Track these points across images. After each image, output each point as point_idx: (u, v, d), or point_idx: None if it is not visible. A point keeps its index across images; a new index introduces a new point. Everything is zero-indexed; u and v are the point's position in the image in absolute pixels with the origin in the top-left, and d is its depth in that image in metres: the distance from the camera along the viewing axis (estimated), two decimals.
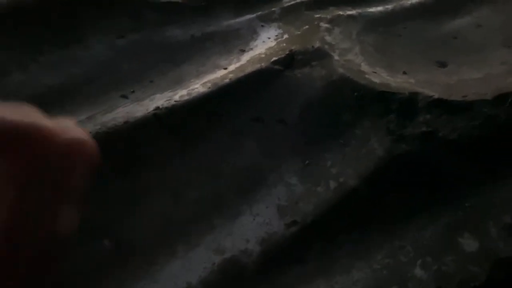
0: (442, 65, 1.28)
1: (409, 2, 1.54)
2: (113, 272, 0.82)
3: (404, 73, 1.20)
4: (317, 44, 1.22)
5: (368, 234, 0.86)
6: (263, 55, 1.22)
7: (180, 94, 1.08)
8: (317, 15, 1.40)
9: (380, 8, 1.49)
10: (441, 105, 1.02)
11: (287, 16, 1.42)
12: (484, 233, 0.82)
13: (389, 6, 1.51)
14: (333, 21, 1.36)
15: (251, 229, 0.87)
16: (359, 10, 1.46)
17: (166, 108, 1.03)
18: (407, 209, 0.89)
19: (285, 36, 1.33)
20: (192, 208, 0.91)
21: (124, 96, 1.14)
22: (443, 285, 0.77)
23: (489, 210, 0.85)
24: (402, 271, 0.80)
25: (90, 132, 0.97)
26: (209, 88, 1.09)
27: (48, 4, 1.30)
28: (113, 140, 0.97)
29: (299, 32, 1.32)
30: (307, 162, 0.98)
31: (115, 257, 0.84)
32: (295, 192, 0.93)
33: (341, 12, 1.42)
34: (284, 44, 1.26)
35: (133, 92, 1.15)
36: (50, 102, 1.11)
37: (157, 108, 1.03)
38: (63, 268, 0.77)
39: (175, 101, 1.05)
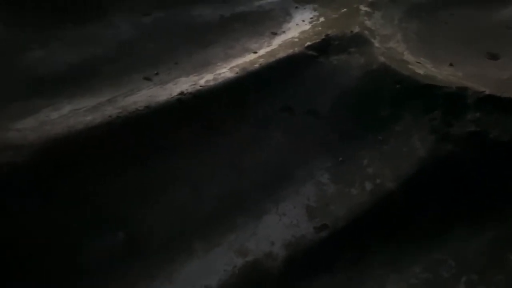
0: (493, 57, 1.16)
1: None
2: (126, 268, 0.76)
3: (451, 64, 1.09)
4: (356, 29, 1.12)
5: (405, 244, 0.77)
6: (296, 39, 1.14)
7: (206, 79, 1.01)
8: None
9: None
10: (492, 102, 0.93)
11: None
12: None
13: None
14: (374, 4, 1.26)
15: (277, 230, 0.80)
16: None
17: (191, 93, 0.97)
18: (448, 218, 0.80)
19: (321, 19, 1.24)
20: (213, 204, 0.85)
21: (147, 78, 1.07)
22: None
23: None
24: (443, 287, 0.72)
25: (110, 116, 0.91)
26: (237, 73, 1.02)
27: None
28: (133, 126, 0.91)
29: (336, 16, 1.23)
30: (340, 159, 0.90)
31: (129, 252, 0.79)
32: (326, 192, 0.85)
33: None
34: (320, 28, 1.17)
35: (156, 74, 1.09)
36: (69, 80, 1.06)
37: (181, 93, 0.97)
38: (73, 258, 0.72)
39: (200, 86, 0.99)
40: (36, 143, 0.86)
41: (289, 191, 0.86)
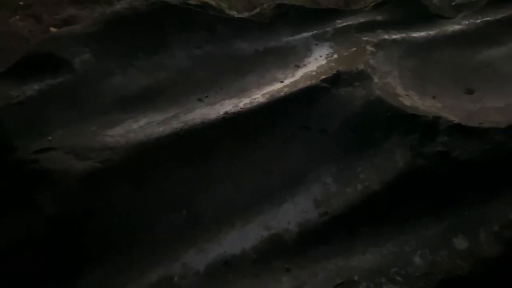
0: (470, 92, 1.47)
1: (451, 29, 1.72)
2: (188, 235, 1.11)
3: (434, 97, 1.40)
4: (361, 67, 1.44)
5: (383, 228, 1.10)
6: (314, 73, 1.47)
7: (244, 102, 1.35)
8: (365, 38, 1.62)
9: (422, 34, 1.69)
10: (459, 129, 1.23)
11: (338, 37, 1.65)
12: (475, 236, 1.04)
13: (432, 32, 1.70)
14: (378, 45, 1.57)
15: (292, 214, 1.14)
16: (403, 35, 1.66)
17: (233, 113, 1.31)
18: (418, 212, 1.12)
19: (335, 56, 1.56)
20: (248, 195, 1.19)
21: (200, 100, 1.43)
22: (434, 272, 1.00)
23: (483, 220, 1.07)
24: (404, 258, 1.04)
25: (176, 128, 1.26)
26: (267, 99, 1.36)
27: (142, 18, 1.60)
28: (191, 136, 1.26)
29: (347, 53, 1.55)
30: (341, 167, 1.23)
31: (190, 224, 1.14)
32: (329, 190, 1.18)
33: (386, 36, 1.63)
34: (333, 64, 1.50)
35: (207, 97, 1.44)
36: (144, 100, 1.42)
37: (226, 112, 1.31)
38: (147, 232, 1.07)
39: (240, 108, 1.33)
40: (125, 146, 1.22)
41: (302, 188, 1.20)
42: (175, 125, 1.27)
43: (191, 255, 1.08)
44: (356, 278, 1.01)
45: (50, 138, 1.22)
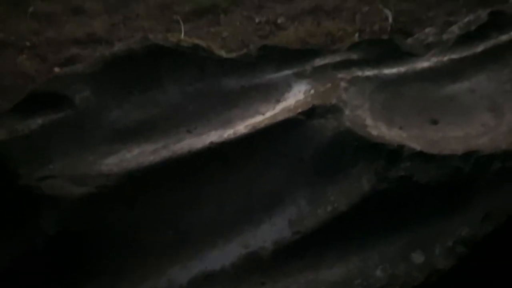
0: (434, 122, 1.61)
1: (420, 66, 1.88)
2: (174, 252, 1.23)
3: (400, 127, 1.55)
4: (334, 101, 1.59)
5: (350, 245, 1.22)
6: (292, 107, 1.62)
7: (228, 133, 1.50)
8: (340, 75, 1.78)
9: (393, 70, 1.85)
10: (420, 157, 1.37)
11: (316, 74, 1.81)
12: (430, 251, 1.16)
13: (402, 69, 1.86)
14: (352, 81, 1.73)
15: (268, 233, 1.26)
16: (376, 72, 1.82)
17: (218, 143, 1.45)
18: (381, 230, 1.24)
19: (312, 91, 1.72)
20: (230, 216, 1.32)
21: (189, 131, 1.57)
22: (392, 283, 1.12)
23: (439, 236, 1.19)
24: (367, 271, 1.15)
25: (164, 157, 1.40)
26: (249, 130, 1.50)
27: (138, 58, 1.77)
28: (180, 163, 1.40)
29: (323, 89, 1.71)
30: (314, 190, 1.36)
31: (176, 243, 1.26)
32: (303, 212, 1.31)
33: (360, 73, 1.79)
34: (310, 99, 1.65)
35: (195, 128, 1.59)
36: (137, 133, 1.57)
37: (211, 142, 1.46)
38: (138, 249, 1.20)
39: (224, 138, 1.47)
40: (118, 173, 1.35)
41: (279, 210, 1.32)
42: (164, 154, 1.41)
43: (176, 271, 1.20)
44: None
45: (51, 167, 1.36)
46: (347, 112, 1.55)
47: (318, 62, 1.88)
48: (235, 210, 1.33)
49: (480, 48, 1.93)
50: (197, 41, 1.95)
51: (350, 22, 3.66)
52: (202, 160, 1.42)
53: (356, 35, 3.24)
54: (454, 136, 1.51)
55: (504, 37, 1.95)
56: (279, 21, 3.76)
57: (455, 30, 2.14)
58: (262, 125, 1.52)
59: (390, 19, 3.50)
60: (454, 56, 1.92)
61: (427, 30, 2.31)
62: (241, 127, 1.52)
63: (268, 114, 1.61)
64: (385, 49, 1.96)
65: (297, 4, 3.96)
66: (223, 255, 1.22)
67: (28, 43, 3.46)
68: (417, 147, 1.40)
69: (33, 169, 1.33)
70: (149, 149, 1.46)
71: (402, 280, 1.12)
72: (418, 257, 1.15)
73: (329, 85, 1.72)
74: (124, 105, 1.65)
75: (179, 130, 1.58)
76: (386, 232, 1.23)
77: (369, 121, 1.53)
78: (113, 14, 4.04)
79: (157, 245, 1.25)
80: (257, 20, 3.81)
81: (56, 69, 2.91)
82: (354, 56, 1.92)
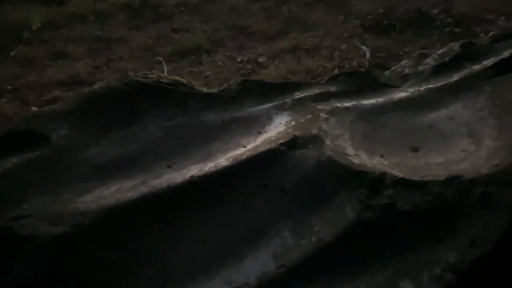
0: (415, 150, 1.62)
1: (398, 96, 1.92)
2: None
3: (381, 156, 1.55)
4: (314, 131, 1.60)
5: (336, 276, 1.18)
6: (273, 138, 1.61)
7: (209, 166, 1.48)
8: (319, 106, 1.79)
9: (372, 101, 1.88)
10: (403, 183, 1.36)
11: (296, 106, 1.83)
12: (419, 279, 1.13)
13: (380, 99, 1.89)
14: (331, 112, 1.75)
15: (252, 268, 1.21)
16: (355, 102, 1.85)
17: (198, 176, 1.43)
18: (368, 259, 1.21)
19: (293, 123, 1.72)
20: (213, 251, 1.27)
21: (169, 166, 1.55)
22: None
23: (426, 264, 1.16)
24: None
25: (143, 193, 1.37)
26: (231, 162, 1.48)
27: (117, 95, 1.77)
28: (159, 199, 1.37)
29: (303, 120, 1.72)
30: (298, 221, 1.33)
31: (156, 282, 1.20)
32: (287, 244, 1.27)
33: (339, 104, 1.82)
34: (290, 130, 1.65)
35: (175, 163, 1.56)
36: (116, 169, 1.54)
37: (192, 176, 1.43)
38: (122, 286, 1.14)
39: (205, 171, 1.45)
40: (95, 210, 1.31)
41: (262, 243, 1.28)
42: (143, 189, 1.37)
43: None
44: None
45: (25, 206, 1.31)
46: (328, 141, 1.55)
47: (298, 95, 1.90)
48: (217, 245, 1.29)
49: (455, 77, 1.98)
50: (177, 78, 1.96)
51: (329, 59, 3.76)
52: (183, 194, 1.39)
53: (336, 71, 3.32)
54: (436, 163, 1.51)
55: (477, 67, 2.02)
56: (260, 60, 3.85)
57: (430, 61, 2.21)
58: (244, 157, 1.50)
59: (368, 55, 3.61)
60: (431, 85, 1.97)
61: (403, 62, 2.39)
62: (222, 160, 1.51)
63: (250, 146, 1.60)
64: (363, 81, 2.00)
65: (277, 43, 4.07)
66: None
67: (9, 87, 3.45)
68: (399, 174, 1.39)
69: (5, 209, 1.28)
70: (127, 185, 1.42)
71: None
72: (406, 286, 1.12)
73: (309, 116, 1.73)
74: (103, 141, 1.62)
75: (159, 166, 1.55)
76: (373, 262, 1.20)
77: (350, 150, 1.53)
78: (96, 57, 4.08)
79: (136, 285, 1.19)
80: (239, 60, 3.88)
81: (34, 108, 2.89)
82: (332, 88, 1.95)
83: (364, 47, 3.79)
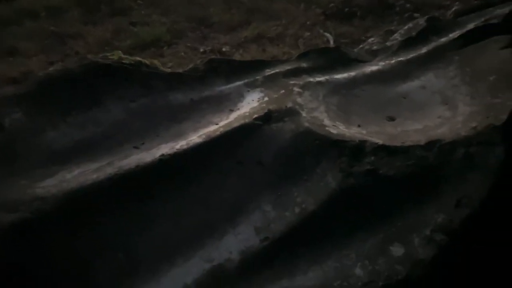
0: (391, 119, 1.58)
1: (369, 69, 1.89)
2: (125, 278, 1.07)
3: (359, 126, 1.50)
4: (289, 104, 1.53)
5: (323, 246, 1.11)
6: (247, 113, 1.54)
7: (181, 144, 1.38)
8: (292, 82, 1.73)
9: (344, 75, 1.83)
10: (383, 150, 1.31)
11: (267, 83, 1.76)
12: (409, 242, 1.08)
13: (352, 73, 1.85)
14: (304, 86, 1.69)
15: (233, 244, 1.13)
16: (327, 77, 1.80)
17: (169, 154, 1.33)
18: (353, 227, 1.15)
19: (266, 98, 1.65)
20: (188, 231, 1.18)
21: (136, 147, 1.44)
22: (374, 279, 1.01)
23: (415, 227, 1.11)
24: (345, 271, 1.05)
25: (110, 174, 1.25)
26: (203, 139, 1.39)
27: (75, 78, 1.63)
28: (127, 180, 1.26)
29: (276, 95, 1.65)
30: (279, 193, 1.26)
31: (127, 267, 1.09)
32: (269, 217, 1.20)
33: (311, 79, 1.76)
34: (264, 105, 1.58)
35: (143, 143, 1.45)
36: (77, 153, 1.41)
37: (162, 155, 1.33)
38: (87, 276, 1.03)
39: (176, 149, 1.35)
40: (57, 194, 1.19)
41: (243, 218, 1.20)
42: (110, 171, 1.26)
43: None
44: None
45: None
46: (304, 114, 1.48)
47: (269, 71, 1.84)
48: (193, 224, 1.20)
49: (423, 50, 1.97)
50: (139, 59, 1.85)
51: (294, 47, 3.73)
52: (153, 174, 1.28)
53: None
54: (414, 129, 1.48)
55: (443, 39, 2.02)
56: (224, 49, 3.76)
57: (397, 37, 2.20)
58: (217, 133, 1.41)
59: (332, 42, 3.60)
60: (401, 58, 1.94)
61: (370, 40, 2.36)
62: (194, 137, 1.41)
63: (222, 123, 1.51)
64: (333, 57, 1.96)
65: (240, 33, 4.00)
66: (184, 273, 1.07)
67: None
68: (379, 141, 1.35)
69: None
70: (91, 168, 1.30)
71: (385, 275, 1.02)
72: (397, 250, 1.06)
73: (282, 91, 1.67)
74: (61, 125, 1.49)
75: (125, 147, 1.44)
76: (359, 229, 1.14)
77: (327, 122, 1.48)
78: (50, 53, 3.87)
79: (105, 271, 1.08)
80: (201, 50, 3.78)
81: None
82: (303, 64, 1.89)
83: (327, 34, 3.79)
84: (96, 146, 1.44)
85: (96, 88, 1.64)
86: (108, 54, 1.90)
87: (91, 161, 1.36)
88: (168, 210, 1.21)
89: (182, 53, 3.73)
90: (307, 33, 3.93)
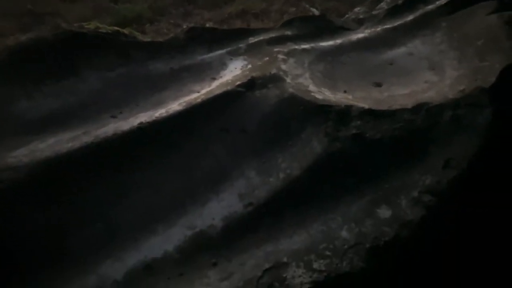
0: (378, 85, 1.54)
1: (356, 37, 1.84)
2: (104, 246, 1.02)
3: (345, 91, 1.46)
4: (273, 71, 1.48)
5: (309, 211, 1.08)
6: (229, 81, 1.48)
7: (160, 112, 1.32)
8: (276, 49, 1.67)
9: (330, 42, 1.78)
10: (370, 114, 1.28)
11: (251, 50, 1.70)
12: (396, 204, 1.05)
13: (338, 41, 1.80)
14: (289, 54, 1.64)
15: (216, 211, 1.09)
16: (312, 44, 1.75)
17: (148, 122, 1.27)
18: (339, 191, 1.12)
19: (249, 66, 1.60)
20: (169, 199, 1.13)
21: (114, 116, 1.38)
22: (362, 241, 0.99)
23: (403, 188, 1.09)
24: (331, 234, 1.01)
25: (86, 142, 1.20)
26: (184, 106, 1.34)
27: (49, 47, 1.55)
28: (104, 148, 1.20)
29: (260, 63, 1.59)
30: (263, 160, 1.22)
31: (106, 236, 1.05)
32: (253, 183, 1.16)
33: (296, 47, 1.71)
34: (248, 72, 1.52)
35: (121, 113, 1.39)
36: (52, 122, 1.35)
37: (141, 123, 1.27)
38: (64, 246, 0.98)
39: (155, 117, 1.29)
40: (30, 164, 1.13)
41: (226, 185, 1.16)
42: (86, 139, 1.20)
43: (108, 266, 0.98)
44: (285, 259, 0.97)
45: None
46: (288, 80, 1.43)
47: (252, 40, 1.77)
48: (174, 192, 1.15)
49: (410, 17, 1.92)
50: (117, 28, 1.77)
51: (279, 22, 3.65)
52: (131, 142, 1.23)
53: None
54: (400, 94, 1.44)
55: (430, 6, 1.97)
56: (207, 25, 3.66)
57: (383, 6, 2.15)
58: (199, 100, 1.36)
59: None
60: (387, 26, 1.90)
61: (356, 9, 2.31)
62: (175, 105, 1.36)
63: (204, 91, 1.46)
64: (318, 25, 1.90)
65: (224, 9, 3.90)
66: (164, 241, 1.03)
67: None
68: (365, 105, 1.31)
69: None
70: (67, 137, 1.24)
71: (372, 237, 0.99)
72: (384, 212, 1.04)
73: (266, 58, 1.61)
74: (35, 95, 1.42)
75: (102, 117, 1.38)
76: (345, 192, 1.11)
77: (312, 88, 1.43)
78: (28, 32, 3.73)
79: (83, 241, 1.03)
80: (184, 26, 3.68)
81: None
82: (288, 32, 1.83)
83: (313, 9, 3.72)
84: (72, 116, 1.38)
85: (71, 57, 1.56)
86: (84, 23, 1.82)
87: (66, 130, 1.30)
88: (148, 178, 1.16)
89: (165, 30, 3.63)
90: (293, 8, 3.86)
